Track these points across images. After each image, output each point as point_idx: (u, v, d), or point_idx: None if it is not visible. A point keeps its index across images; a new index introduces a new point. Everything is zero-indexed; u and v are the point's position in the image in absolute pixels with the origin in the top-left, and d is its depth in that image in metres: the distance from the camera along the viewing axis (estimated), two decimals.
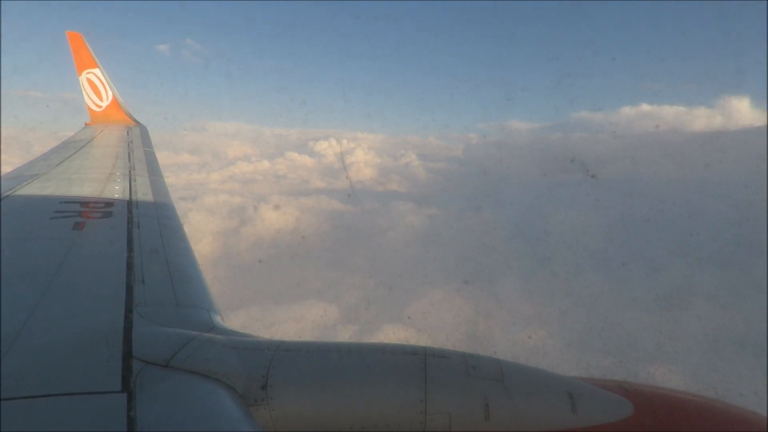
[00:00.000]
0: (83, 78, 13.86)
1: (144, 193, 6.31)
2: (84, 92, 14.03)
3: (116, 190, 6.20)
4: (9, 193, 5.67)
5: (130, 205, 5.52)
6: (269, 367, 2.37)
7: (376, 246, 67.86)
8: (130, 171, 7.60)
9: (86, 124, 13.92)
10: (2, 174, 7.07)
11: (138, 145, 10.74)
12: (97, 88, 14.17)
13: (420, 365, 2.40)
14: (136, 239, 4.30)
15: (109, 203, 5.55)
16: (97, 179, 6.84)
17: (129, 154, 9.40)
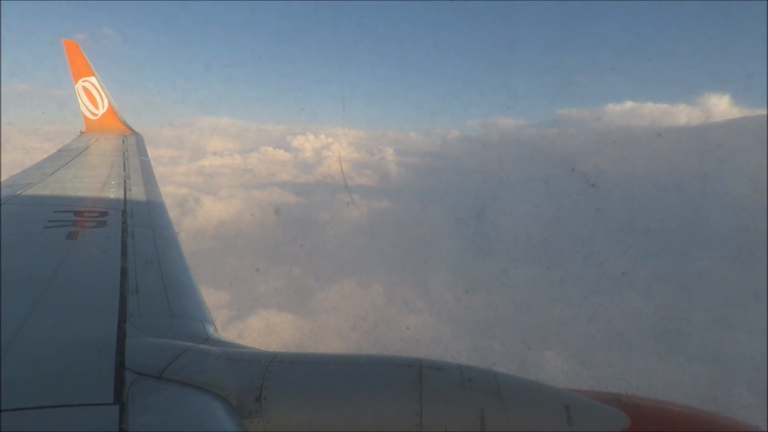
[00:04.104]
0: (79, 86, 13.85)
1: (139, 202, 6.29)
2: (80, 100, 14.00)
3: (111, 200, 6.17)
4: (3, 201, 5.63)
5: (124, 214, 5.50)
6: (264, 379, 2.36)
7: (311, 237, 68.05)
8: (125, 180, 7.57)
9: (81, 132, 13.88)
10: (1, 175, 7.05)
11: (133, 153, 10.71)
12: (93, 96, 14.15)
13: (415, 377, 2.39)
14: (131, 249, 4.28)
15: (104, 213, 5.53)
16: (92, 188, 6.81)
17: (124, 162, 9.37)
